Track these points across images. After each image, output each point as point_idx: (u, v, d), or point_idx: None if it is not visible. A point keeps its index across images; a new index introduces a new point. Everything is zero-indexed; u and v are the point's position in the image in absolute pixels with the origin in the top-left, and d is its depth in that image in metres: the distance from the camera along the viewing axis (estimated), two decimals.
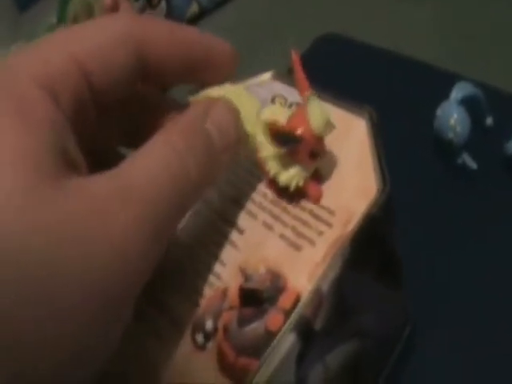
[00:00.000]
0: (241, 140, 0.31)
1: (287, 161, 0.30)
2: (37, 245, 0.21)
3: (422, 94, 0.56)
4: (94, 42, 0.28)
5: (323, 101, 0.32)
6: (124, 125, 0.33)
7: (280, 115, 0.31)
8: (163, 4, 0.79)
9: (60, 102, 0.26)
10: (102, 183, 0.24)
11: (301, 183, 0.31)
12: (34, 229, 0.21)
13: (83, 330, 0.23)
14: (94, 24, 0.29)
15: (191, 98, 0.32)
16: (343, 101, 0.34)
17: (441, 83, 0.52)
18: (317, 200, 0.31)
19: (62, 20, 0.78)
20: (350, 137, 0.33)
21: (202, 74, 0.32)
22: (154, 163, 0.26)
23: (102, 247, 0.23)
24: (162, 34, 0.30)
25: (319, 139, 0.30)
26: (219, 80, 0.32)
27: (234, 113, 0.30)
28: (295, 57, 0.31)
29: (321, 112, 0.30)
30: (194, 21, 0.82)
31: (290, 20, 0.76)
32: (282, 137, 0.29)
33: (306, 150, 0.30)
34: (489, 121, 0.53)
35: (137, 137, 0.32)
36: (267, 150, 0.31)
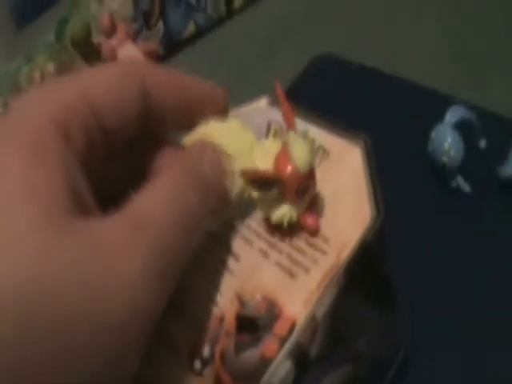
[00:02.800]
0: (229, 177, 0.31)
1: (276, 199, 0.31)
2: (48, 289, 0.22)
3: (416, 116, 0.57)
4: (104, 85, 0.29)
5: (318, 127, 0.32)
6: (128, 164, 0.33)
7: (264, 158, 0.31)
8: (160, 25, 0.79)
9: (72, 141, 0.26)
10: (112, 226, 0.25)
11: (294, 218, 0.31)
12: (44, 275, 0.22)
13: (96, 366, 0.23)
14: (104, 67, 0.30)
15: (187, 137, 0.32)
16: (338, 127, 0.34)
17: (435, 106, 0.52)
18: (314, 232, 0.31)
19: (59, 39, 0.78)
20: (344, 164, 0.33)
21: (196, 117, 0.33)
22: (160, 203, 0.27)
23: (112, 290, 0.23)
24: (165, 78, 0.31)
25: (306, 176, 0.30)
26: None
27: (222, 155, 0.31)
28: (279, 90, 0.32)
29: (304, 148, 0.30)
30: (190, 41, 0.83)
31: (286, 40, 0.77)
32: (260, 184, 0.30)
33: (292, 190, 0.30)
34: (482, 144, 0.53)
35: (138, 174, 0.33)
36: (254, 192, 0.31)
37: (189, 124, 0.33)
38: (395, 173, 0.48)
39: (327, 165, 0.32)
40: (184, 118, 0.32)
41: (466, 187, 0.51)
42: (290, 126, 0.31)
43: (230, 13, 0.84)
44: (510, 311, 0.45)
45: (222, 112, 0.34)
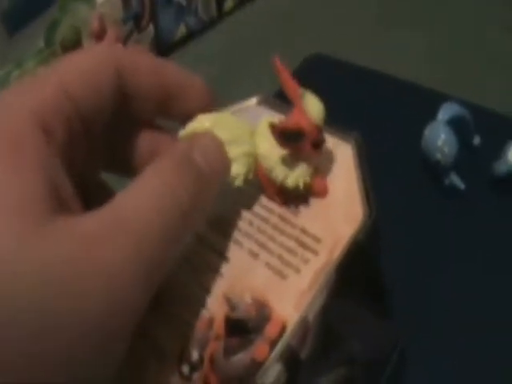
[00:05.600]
0: (228, 166, 0.31)
1: (292, 162, 0.31)
2: (26, 289, 0.21)
3: (409, 113, 0.56)
4: (78, 69, 0.28)
5: None
6: (112, 152, 0.33)
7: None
8: (151, 27, 0.79)
9: (52, 134, 0.26)
10: (92, 222, 0.24)
11: (308, 180, 0.31)
12: (20, 273, 0.21)
13: (79, 364, 0.23)
14: (79, 52, 0.30)
15: (181, 131, 0.32)
16: (330, 126, 0.34)
17: (428, 103, 0.52)
18: (323, 194, 0.32)
19: (49, 44, 0.78)
20: (336, 162, 0.33)
21: (176, 105, 0.32)
22: (144, 197, 0.26)
23: (91, 286, 0.23)
24: (141, 62, 0.31)
25: (319, 129, 0.31)
26: (194, 114, 0.32)
27: (218, 141, 0.30)
28: (277, 62, 0.31)
29: (317, 103, 0.31)
30: (181, 43, 0.82)
31: (278, 41, 0.77)
32: (286, 137, 0.30)
33: (309, 143, 0.30)
34: (476, 140, 0.53)
35: (125, 163, 0.33)
36: (271, 157, 0.31)
37: (171, 112, 0.33)
38: (388, 170, 0.48)
39: (319, 163, 0.31)
40: (163, 103, 0.32)
41: (459, 184, 0.50)
42: (295, 89, 0.31)
43: (221, 15, 0.84)
44: (507, 310, 0.45)
45: (207, 107, 0.33)
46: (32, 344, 0.21)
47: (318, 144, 0.31)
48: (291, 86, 0.31)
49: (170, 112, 0.33)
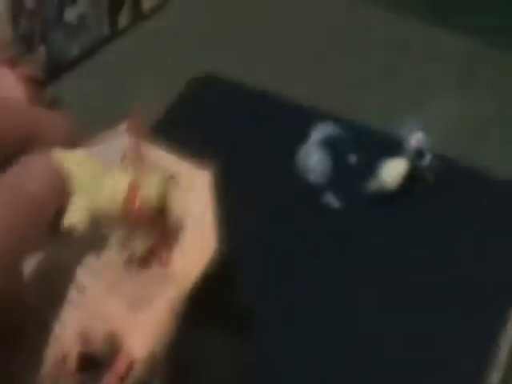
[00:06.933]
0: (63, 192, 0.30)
1: (131, 231, 0.31)
2: None
3: (286, 133, 0.57)
4: None
5: (168, 155, 0.32)
6: None
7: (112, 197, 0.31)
8: (42, 48, 0.78)
9: None
10: None
11: (143, 251, 0.31)
12: None
13: None
14: None
15: None
16: (188, 155, 0.34)
17: (302, 124, 0.53)
18: (164, 264, 0.32)
19: None
20: (192, 193, 0.33)
21: (35, 146, 0.31)
22: None
23: None
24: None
25: (156, 211, 0.30)
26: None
27: (53, 165, 0.29)
28: (133, 119, 0.31)
29: (155, 185, 0.30)
30: (74, 63, 0.82)
31: (171, 59, 0.77)
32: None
33: (141, 226, 0.31)
34: (352, 159, 0.54)
35: None
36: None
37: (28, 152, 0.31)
38: (266, 191, 0.49)
39: (177, 194, 0.32)
40: (21, 147, 0.30)
41: (334, 203, 0.51)
42: (136, 158, 0.31)
43: (115, 33, 0.84)
44: (380, 327, 0.46)
45: (70, 143, 0.31)
46: None
47: (151, 224, 0.31)
48: (136, 150, 0.31)
49: (27, 152, 0.31)
